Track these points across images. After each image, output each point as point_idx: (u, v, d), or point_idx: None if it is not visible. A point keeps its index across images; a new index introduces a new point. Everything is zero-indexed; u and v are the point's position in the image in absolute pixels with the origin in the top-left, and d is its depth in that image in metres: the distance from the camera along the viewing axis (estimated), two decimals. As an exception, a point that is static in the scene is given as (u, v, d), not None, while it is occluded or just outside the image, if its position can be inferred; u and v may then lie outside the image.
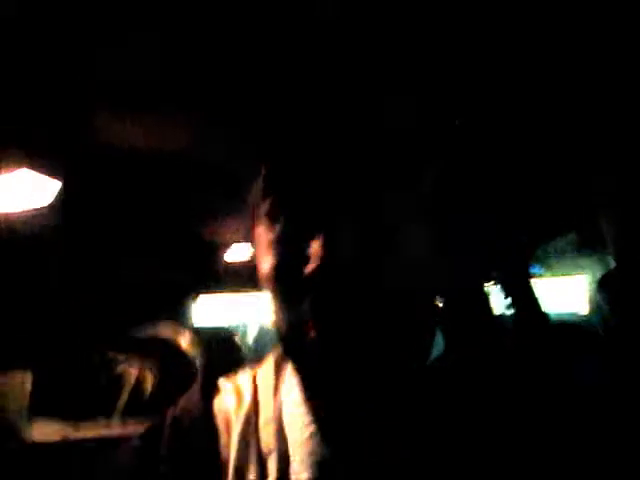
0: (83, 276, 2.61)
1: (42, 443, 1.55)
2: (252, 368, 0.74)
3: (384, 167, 0.57)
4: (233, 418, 0.66)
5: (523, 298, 2.15)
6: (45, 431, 1.63)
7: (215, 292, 3.91)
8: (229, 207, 2.43)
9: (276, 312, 0.59)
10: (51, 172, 1.61)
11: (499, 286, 2.28)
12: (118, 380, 2.24)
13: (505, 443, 0.58)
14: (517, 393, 0.65)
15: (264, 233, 0.59)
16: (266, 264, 0.58)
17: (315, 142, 0.57)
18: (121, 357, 2.36)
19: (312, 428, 0.60)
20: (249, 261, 3.08)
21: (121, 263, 2.79)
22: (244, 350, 3.25)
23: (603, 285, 1.38)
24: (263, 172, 0.60)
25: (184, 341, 2.51)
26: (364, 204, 0.55)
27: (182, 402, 0.70)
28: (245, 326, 4.63)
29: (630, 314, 1.20)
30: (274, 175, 0.59)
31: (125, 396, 2.21)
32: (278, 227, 0.57)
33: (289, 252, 0.56)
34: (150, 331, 2.57)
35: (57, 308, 2.50)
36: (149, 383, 2.32)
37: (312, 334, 0.54)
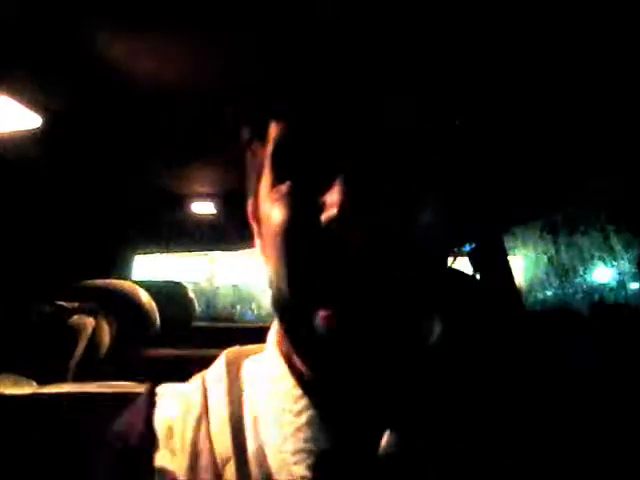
0: (30, 221, 2.46)
1: (12, 396, 1.45)
2: (199, 374, 0.70)
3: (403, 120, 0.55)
4: (178, 427, 0.62)
5: (494, 271, 2.19)
6: (11, 386, 1.52)
7: (169, 251, 3.80)
8: (195, 158, 2.36)
9: (278, 271, 0.55)
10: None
11: (470, 259, 2.33)
12: (73, 330, 2.11)
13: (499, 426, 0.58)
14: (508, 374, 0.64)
15: (272, 188, 0.57)
16: (274, 217, 0.56)
17: (333, 98, 0.54)
18: (74, 306, 2.25)
19: (308, 415, 0.57)
20: (210, 219, 3.00)
21: (70, 211, 2.66)
22: (196, 307, 3.19)
23: None
24: (275, 129, 0.57)
25: (141, 293, 2.42)
26: (383, 160, 0.53)
27: (126, 418, 0.66)
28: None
29: None
30: (287, 132, 0.56)
31: (82, 347, 2.10)
32: (290, 181, 0.55)
33: (303, 203, 0.54)
34: (103, 282, 2.47)
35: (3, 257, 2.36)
36: (107, 334, 2.22)
37: (325, 293, 0.51)
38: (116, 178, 2.42)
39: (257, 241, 0.65)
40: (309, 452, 0.55)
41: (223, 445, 0.59)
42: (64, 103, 1.54)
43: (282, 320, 0.58)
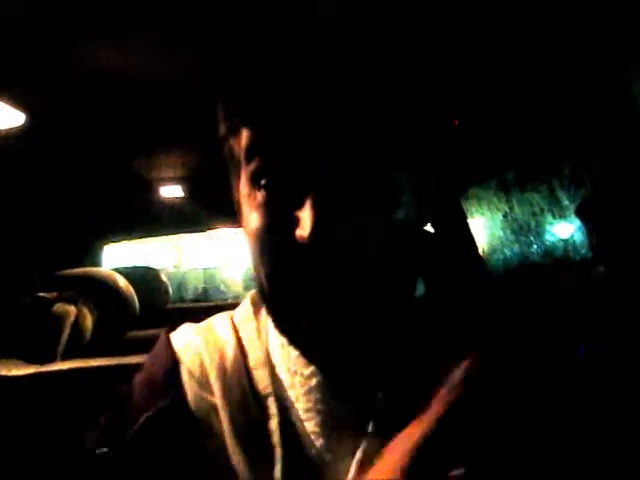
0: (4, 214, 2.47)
1: (15, 376, 1.50)
2: (225, 313, 0.74)
3: (375, 136, 0.58)
4: (207, 361, 0.66)
5: (455, 234, 2.29)
6: (13, 368, 1.58)
7: (139, 236, 3.80)
8: (163, 141, 2.39)
9: (259, 273, 0.60)
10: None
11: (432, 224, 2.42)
12: (56, 319, 2.16)
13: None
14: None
15: (249, 192, 0.60)
16: (253, 224, 0.59)
17: (304, 108, 0.56)
18: (54, 296, 2.29)
19: (317, 379, 0.61)
20: (178, 203, 3.03)
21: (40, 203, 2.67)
22: (170, 290, 3.24)
23: (581, 211, 1.58)
24: (248, 133, 0.59)
25: (118, 279, 2.47)
26: (354, 167, 0.56)
27: (150, 360, 0.70)
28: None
29: (612, 234, 1.38)
30: (260, 137, 0.58)
31: (66, 334, 2.15)
32: (265, 189, 0.58)
33: (278, 217, 0.57)
34: (81, 271, 2.50)
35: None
36: (89, 320, 2.27)
37: (303, 296, 0.56)
38: (87, 168, 2.44)
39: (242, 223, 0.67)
40: (318, 412, 0.61)
41: (263, 382, 0.64)
42: (46, 100, 1.59)
43: (267, 308, 0.64)
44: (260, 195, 0.58)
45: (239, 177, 0.63)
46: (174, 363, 0.67)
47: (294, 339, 0.62)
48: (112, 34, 1.47)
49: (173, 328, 0.73)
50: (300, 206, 0.55)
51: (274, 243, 0.57)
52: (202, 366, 0.66)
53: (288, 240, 0.55)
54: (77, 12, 1.33)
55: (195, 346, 0.68)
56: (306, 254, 0.54)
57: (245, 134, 0.59)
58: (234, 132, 0.62)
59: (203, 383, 0.65)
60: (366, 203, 0.56)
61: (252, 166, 0.59)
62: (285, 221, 0.56)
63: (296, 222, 0.55)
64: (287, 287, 0.58)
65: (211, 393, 0.64)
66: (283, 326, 0.62)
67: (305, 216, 0.54)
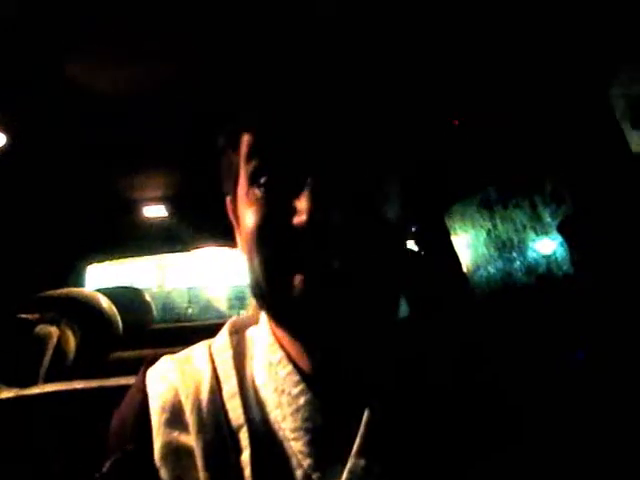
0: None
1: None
2: (204, 342, 0.75)
3: (370, 134, 0.61)
4: (182, 395, 0.66)
5: (439, 252, 2.31)
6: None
7: (122, 256, 3.77)
8: (146, 161, 2.38)
9: (256, 268, 0.62)
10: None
11: (415, 241, 2.44)
12: (39, 341, 2.14)
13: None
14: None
15: (248, 192, 0.63)
16: (250, 220, 0.61)
17: (301, 106, 0.60)
18: (36, 317, 2.26)
19: (305, 398, 0.63)
20: (162, 222, 3.01)
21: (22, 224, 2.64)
22: (153, 310, 3.21)
23: (562, 228, 1.61)
24: (248, 137, 0.63)
25: (101, 299, 2.45)
26: (347, 163, 0.60)
27: (120, 416, 0.69)
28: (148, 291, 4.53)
29: (591, 253, 1.40)
30: (260, 138, 0.62)
31: (49, 356, 2.12)
32: (263, 186, 0.61)
33: (276, 208, 0.60)
34: (63, 292, 2.48)
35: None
36: (72, 341, 2.24)
37: (300, 285, 0.58)
38: (69, 188, 2.43)
39: (237, 238, 0.71)
40: (306, 430, 0.62)
41: (236, 412, 0.64)
42: (27, 121, 1.58)
43: (263, 306, 0.65)
44: (259, 191, 0.61)
45: (236, 185, 0.67)
46: (144, 405, 0.67)
47: (295, 333, 0.63)
48: (94, 52, 1.47)
49: (155, 357, 0.74)
50: (297, 198, 0.58)
51: (272, 230, 0.60)
52: (177, 401, 0.66)
53: (286, 227, 0.58)
54: (58, 33, 1.32)
55: (170, 380, 0.68)
56: (303, 241, 0.57)
57: (246, 137, 0.63)
58: (233, 141, 0.66)
59: (177, 420, 0.64)
60: (358, 196, 0.59)
61: (252, 165, 0.62)
62: (283, 210, 0.59)
63: (293, 212, 0.58)
64: (284, 281, 0.59)
65: (185, 430, 0.63)
66: (282, 321, 0.64)
67: (302, 205, 0.57)
